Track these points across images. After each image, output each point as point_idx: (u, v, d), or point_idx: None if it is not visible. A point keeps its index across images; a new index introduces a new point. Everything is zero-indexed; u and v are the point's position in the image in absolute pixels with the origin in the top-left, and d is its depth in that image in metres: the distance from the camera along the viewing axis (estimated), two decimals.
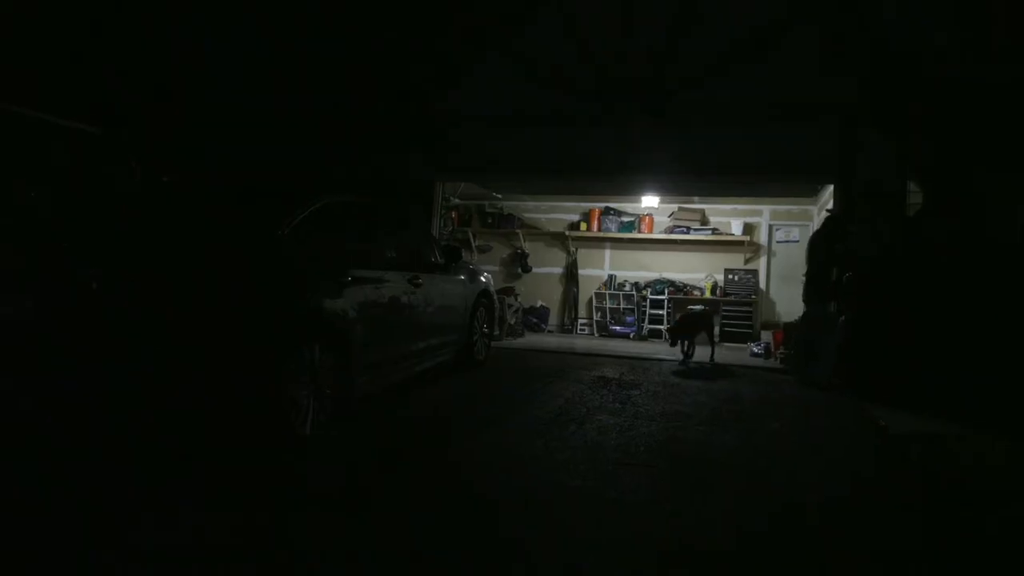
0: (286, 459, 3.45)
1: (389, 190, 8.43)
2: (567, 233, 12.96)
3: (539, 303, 12.64)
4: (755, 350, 9.92)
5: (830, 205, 8.80)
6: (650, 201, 11.98)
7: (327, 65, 9.02)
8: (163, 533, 2.54)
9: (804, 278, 7.71)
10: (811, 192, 10.46)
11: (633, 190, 11.32)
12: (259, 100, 8.91)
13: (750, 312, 11.71)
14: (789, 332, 8.88)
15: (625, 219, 12.71)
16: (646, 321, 12.26)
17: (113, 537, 2.48)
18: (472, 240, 13.00)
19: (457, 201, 12.53)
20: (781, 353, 8.92)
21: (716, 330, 11.56)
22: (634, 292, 12.53)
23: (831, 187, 8.73)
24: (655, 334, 12.13)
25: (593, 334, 12.47)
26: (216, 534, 2.56)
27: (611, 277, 12.88)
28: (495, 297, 7.44)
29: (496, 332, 7.59)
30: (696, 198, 12.05)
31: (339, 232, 4.42)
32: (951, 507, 3.34)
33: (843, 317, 6.47)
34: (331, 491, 3.14)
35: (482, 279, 7.06)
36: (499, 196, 12.91)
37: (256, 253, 3.65)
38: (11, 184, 5.28)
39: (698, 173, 8.97)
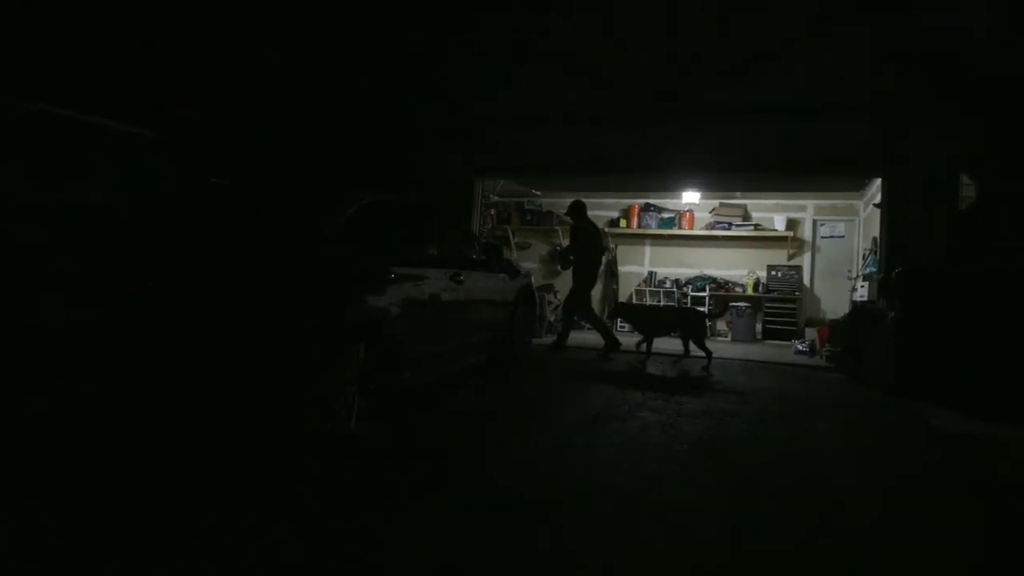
0: (334, 456, 3.50)
1: (430, 189, 8.51)
2: (606, 230, 12.89)
3: None
4: (799, 348, 9.74)
5: (877, 199, 8.59)
6: (691, 197, 11.85)
7: (368, 66, 9.12)
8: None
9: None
10: (858, 186, 10.23)
11: (673, 186, 11.23)
12: (301, 103, 9.05)
13: (794, 309, 11.51)
14: (835, 329, 8.69)
15: (665, 215, 12.60)
16: None
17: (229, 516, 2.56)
18: (511, 237, 13.02)
19: (496, 199, 12.56)
20: (827, 351, 8.74)
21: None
22: (674, 289, 12.41)
23: (878, 181, 8.52)
24: None
25: (633, 330, 12.37)
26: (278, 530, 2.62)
27: (651, 274, 12.77)
28: (536, 294, 7.44)
29: (536, 329, 7.58)
30: (738, 193, 11.88)
31: (382, 230, 4.47)
32: (1013, 512, 3.24)
33: (892, 314, 6.30)
34: (376, 487, 3.18)
35: (523, 276, 7.07)
36: (538, 194, 12.91)
37: (302, 252, 3.72)
38: (68, 187, 5.45)
39: (738, 169, 8.85)
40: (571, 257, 8.89)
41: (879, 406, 5.84)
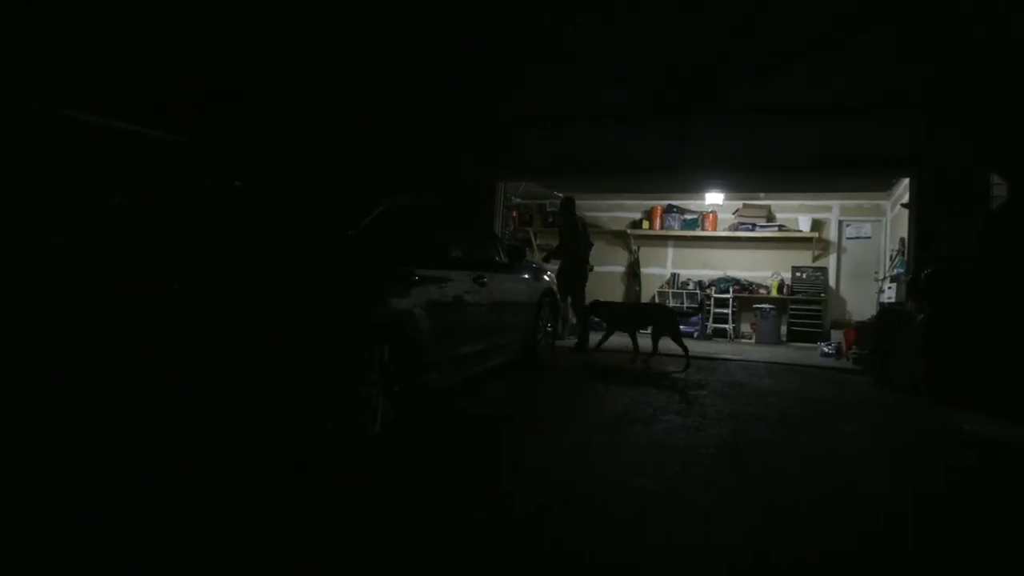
0: (360, 458, 3.51)
1: (452, 190, 8.54)
2: (628, 231, 12.84)
3: None
4: (825, 350, 9.61)
5: (905, 199, 8.46)
6: (714, 198, 11.76)
7: (389, 68, 9.17)
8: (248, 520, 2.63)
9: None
10: (884, 186, 10.08)
11: (696, 187, 11.14)
12: (324, 106, 9.13)
13: (819, 311, 11.37)
14: (863, 331, 8.56)
15: (688, 216, 12.51)
16: (710, 320, 12.03)
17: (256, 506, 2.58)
18: (533, 239, 13.00)
19: (518, 200, 12.57)
20: (854, 353, 8.62)
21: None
22: (698, 291, 12.32)
23: (906, 181, 8.39)
24: (720, 333, 11.90)
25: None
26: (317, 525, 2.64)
27: (674, 275, 12.69)
28: (558, 296, 7.43)
29: (559, 331, 7.57)
30: (762, 194, 11.76)
31: (405, 232, 4.48)
32: None
33: (921, 316, 6.19)
34: (401, 487, 3.18)
35: (545, 278, 7.06)
36: (560, 195, 12.88)
37: (327, 255, 3.74)
38: (99, 191, 5.55)
39: (763, 169, 8.76)
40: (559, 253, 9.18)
41: (908, 409, 5.74)
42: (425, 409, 4.54)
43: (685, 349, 7.44)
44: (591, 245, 9.73)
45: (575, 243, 9.07)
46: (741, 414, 5.04)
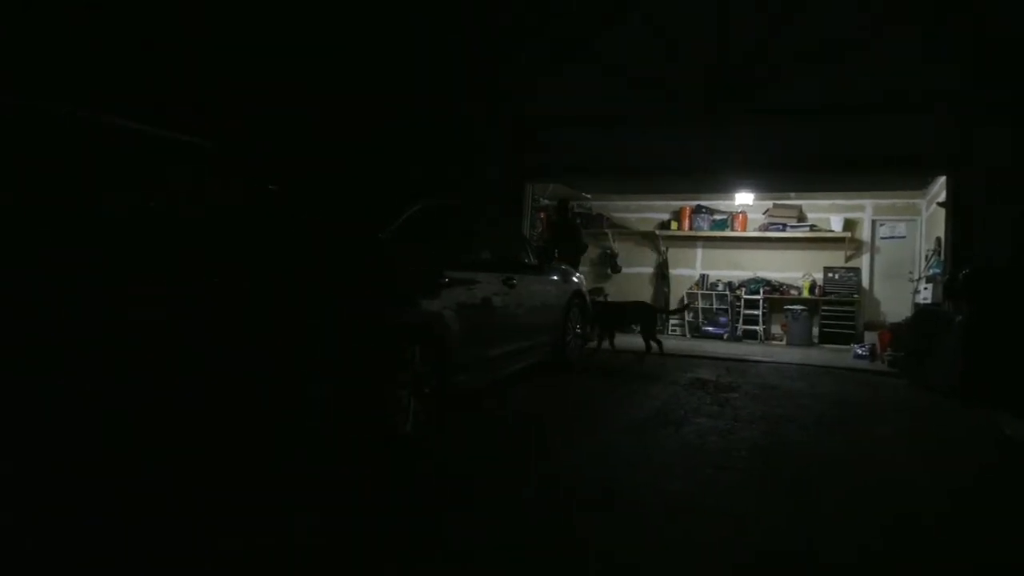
0: (392, 458, 3.54)
1: (482, 193, 8.57)
2: (657, 232, 12.76)
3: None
4: (859, 352, 9.45)
5: (941, 198, 8.29)
6: (743, 198, 11.64)
7: (418, 71, 9.23)
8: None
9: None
10: (920, 184, 9.89)
11: (725, 187, 11.04)
12: (353, 107, 9.22)
13: (852, 312, 11.18)
14: (897, 333, 8.40)
15: (717, 217, 12.40)
16: (740, 322, 11.91)
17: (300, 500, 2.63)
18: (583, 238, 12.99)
19: (546, 202, 12.56)
20: (888, 355, 8.46)
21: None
22: (727, 292, 12.19)
23: (942, 179, 8.23)
24: (750, 335, 11.77)
25: (685, 335, 12.22)
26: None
27: (703, 277, 12.58)
28: (588, 298, 7.41)
29: (588, 332, 7.55)
30: (792, 194, 11.60)
31: (435, 235, 4.51)
32: None
33: (959, 317, 6.06)
34: (431, 489, 3.21)
35: (575, 279, 7.05)
36: (588, 196, 12.87)
37: (359, 257, 3.78)
38: (138, 195, 5.66)
39: (796, 169, 8.65)
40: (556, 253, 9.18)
41: (945, 412, 5.62)
42: (453, 411, 4.56)
43: (659, 344, 7.71)
44: (585, 247, 9.80)
45: (569, 244, 9.08)
46: (773, 416, 4.98)
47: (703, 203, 12.44)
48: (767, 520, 2.90)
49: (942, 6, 7.24)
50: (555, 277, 6.47)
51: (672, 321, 12.50)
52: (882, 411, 5.63)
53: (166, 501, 2.85)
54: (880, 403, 6.00)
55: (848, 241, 11.57)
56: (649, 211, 13.00)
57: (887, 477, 3.65)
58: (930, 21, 7.26)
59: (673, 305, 12.28)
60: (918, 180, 9.61)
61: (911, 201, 11.19)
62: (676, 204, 12.68)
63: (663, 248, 12.79)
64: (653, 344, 7.59)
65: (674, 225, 12.70)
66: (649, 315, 7.99)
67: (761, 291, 11.89)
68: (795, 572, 2.46)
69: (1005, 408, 5.31)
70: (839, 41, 7.60)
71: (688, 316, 12.30)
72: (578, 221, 11.33)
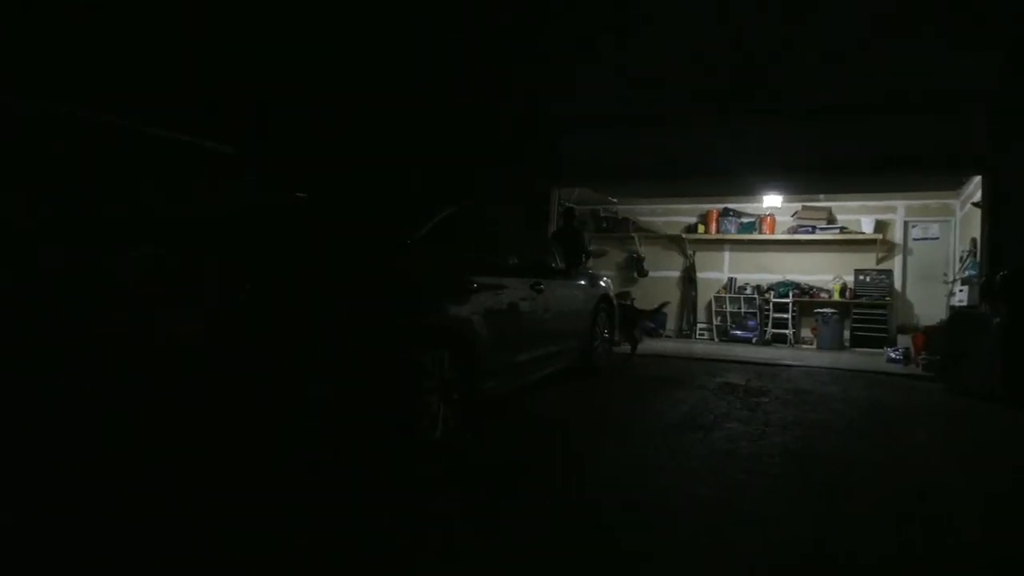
0: (423, 463, 3.57)
1: (509, 198, 8.60)
2: (684, 236, 12.69)
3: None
4: (892, 355, 9.28)
5: (976, 198, 8.13)
6: (771, 200, 11.53)
7: (447, 73, 9.31)
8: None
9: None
10: (953, 184, 9.71)
11: (753, 190, 10.95)
12: (384, 111, 9.32)
13: (884, 315, 11.00)
14: (932, 336, 8.24)
15: (745, 220, 12.29)
16: (769, 325, 11.78)
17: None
18: (586, 245, 12.96)
19: (571, 206, 12.58)
20: (923, 359, 8.30)
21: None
22: (755, 295, 12.07)
23: (977, 179, 8.07)
24: (779, 339, 11.64)
25: (713, 339, 12.12)
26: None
27: (731, 280, 12.47)
28: (615, 302, 7.39)
29: (616, 337, 7.53)
30: (821, 195, 11.45)
31: (463, 240, 4.54)
32: None
33: (997, 319, 5.93)
34: (459, 494, 3.22)
35: (602, 284, 7.03)
36: (614, 200, 12.83)
37: (388, 263, 3.82)
38: (167, 201, 5.77)
39: (825, 170, 8.55)
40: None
41: (983, 415, 5.50)
42: (480, 415, 4.57)
43: (634, 346, 8.40)
44: (590, 255, 9.86)
45: (574, 252, 9.05)
46: (805, 421, 4.91)
47: (730, 206, 12.35)
48: (801, 523, 2.87)
49: (979, 5, 7.11)
50: (582, 282, 6.46)
51: (700, 325, 12.42)
52: (916, 415, 5.53)
53: (167, 501, 2.86)
54: (914, 407, 5.89)
55: (880, 243, 11.40)
56: (676, 215, 12.93)
57: (921, 480, 3.59)
58: (967, 21, 7.13)
59: (700, 310, 12.23)
60: (952, 180, 9.45)
61: (945, 202, 10.99)
62: (703, 207, 12.60)
63: (690, 252, 12.71)
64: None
65: (701, 228, 12.62)
66: (634, 316, 8.51)
67: (790, 294, 11.76)
68: (834, 571, 2.43)
69: None
70: (869, 40, 7.50)
71: (716, 320, 12.20)
72: (583, 228, 11.30)
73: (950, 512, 3.11)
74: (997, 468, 4.01)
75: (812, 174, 8.87)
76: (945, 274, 10.79)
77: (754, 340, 11.71)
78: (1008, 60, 7.02)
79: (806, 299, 11.75)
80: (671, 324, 12.58)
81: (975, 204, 8.26)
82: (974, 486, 3.57)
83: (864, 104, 7.64)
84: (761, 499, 3.20)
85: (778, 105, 8.05)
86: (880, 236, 11.37)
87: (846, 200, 11.61)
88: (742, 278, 12.44)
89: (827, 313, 11.24)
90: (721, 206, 12.41)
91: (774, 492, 3.31)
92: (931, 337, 8.29)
